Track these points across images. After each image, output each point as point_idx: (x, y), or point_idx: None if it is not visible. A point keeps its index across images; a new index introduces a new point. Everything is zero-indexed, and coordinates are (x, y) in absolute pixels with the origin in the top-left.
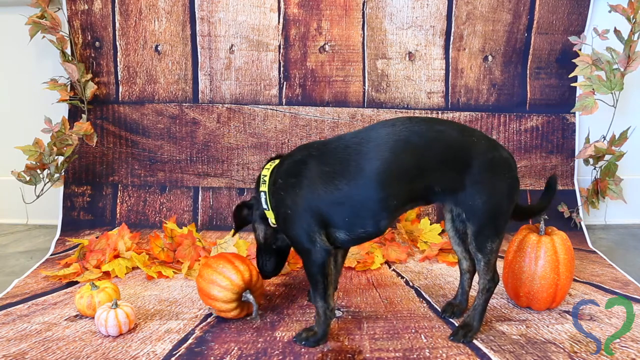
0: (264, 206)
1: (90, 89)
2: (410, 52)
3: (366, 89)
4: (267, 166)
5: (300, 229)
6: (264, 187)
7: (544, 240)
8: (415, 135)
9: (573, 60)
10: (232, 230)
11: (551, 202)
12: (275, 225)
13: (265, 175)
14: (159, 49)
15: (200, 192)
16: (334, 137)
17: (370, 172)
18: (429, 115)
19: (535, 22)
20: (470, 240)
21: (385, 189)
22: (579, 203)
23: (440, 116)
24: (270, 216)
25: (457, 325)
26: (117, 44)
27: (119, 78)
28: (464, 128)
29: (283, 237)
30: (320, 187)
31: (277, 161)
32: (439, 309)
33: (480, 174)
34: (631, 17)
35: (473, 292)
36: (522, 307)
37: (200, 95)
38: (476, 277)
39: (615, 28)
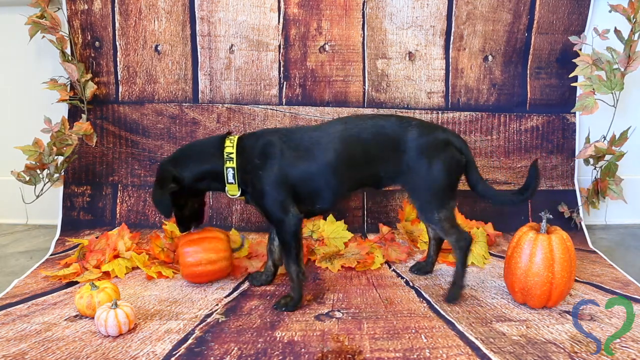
0: (231, 181)
1: (90, 88)
2: (410, 52)
3: (366, 88)
4: (228, 144)
5: (275, 201)
6: (231, 164)
7: (540, 238)
8: (364, 131)
9: (573, 60)
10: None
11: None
12: (233, 197)
13: (231, 153)
14: (158, 48)
15: None
16: (295, 127)
17: (326, 160)
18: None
19: (535, 22)
20: (418, 214)
21: (336, 175)
22: (579, 203)
23: (440, 116)
24: (234, 189)
25: (456, 325)
26: (117, 43)
27: (119, 78)
28: (400, 118)
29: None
30: (290, 168)
31: (234, 138)
32: (440, 309)
33: (415, 158)
34: (631, 17)
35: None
36: (519, 303)
37: (200, 95)
38: None
39: (615, 28)
